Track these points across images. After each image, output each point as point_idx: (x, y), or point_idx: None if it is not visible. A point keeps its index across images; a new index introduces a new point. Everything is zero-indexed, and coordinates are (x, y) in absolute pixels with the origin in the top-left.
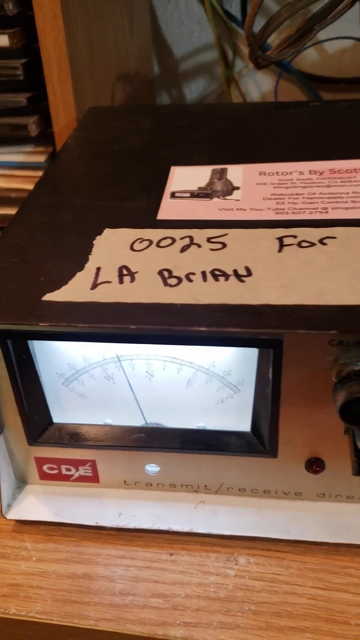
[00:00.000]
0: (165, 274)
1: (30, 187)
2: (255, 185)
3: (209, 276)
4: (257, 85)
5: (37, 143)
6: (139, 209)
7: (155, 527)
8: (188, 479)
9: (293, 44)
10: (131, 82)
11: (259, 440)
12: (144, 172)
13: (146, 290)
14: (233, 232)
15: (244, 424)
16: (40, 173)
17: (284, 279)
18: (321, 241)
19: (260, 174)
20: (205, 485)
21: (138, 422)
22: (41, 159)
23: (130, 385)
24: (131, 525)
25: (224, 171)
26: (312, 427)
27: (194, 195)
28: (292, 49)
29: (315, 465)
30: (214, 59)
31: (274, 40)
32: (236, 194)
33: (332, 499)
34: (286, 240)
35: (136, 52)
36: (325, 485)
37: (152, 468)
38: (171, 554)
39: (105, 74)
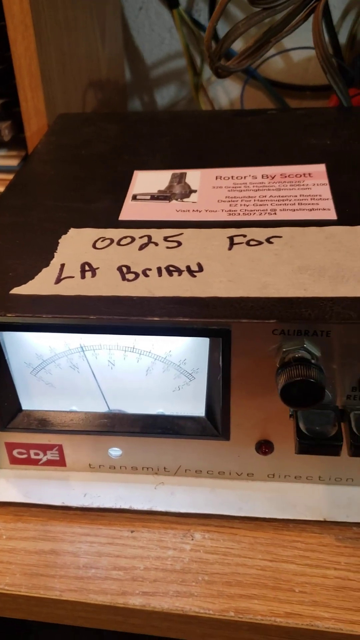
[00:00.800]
0: (124, 269)
1: (3, 189)
2: (211, 188)
3: (164, 272)
4: (225, 92)
5: (10, 147)
6: (103, 210)
7: (118, 507)
8: (148, 461)
9: (251, 55)
10: (103, 89)
11: (213, 425)
12: (109, 176)
13: (106, 284)
14: (188, 232)
15: (199, 410)
16: (13, 176)
17: (232, 274)
18: (268, 240)
19: (216, 178)
20: (164, 468)
21: (102, 408)
22: (14, 162)
23: (93, 374)
24: (95, 505)
25: (183, 175)
26: (261, 411)
27: (154, 197)
28: (250, 60)
29: (264, 447)
30: (184, 66)
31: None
32: (193, 197)
33: (281, 479)
34: (236, 239)
35: (108, 59)
36: (275, 466)
37: (115, 452)
38: (132, 531)
39: (77, 81)
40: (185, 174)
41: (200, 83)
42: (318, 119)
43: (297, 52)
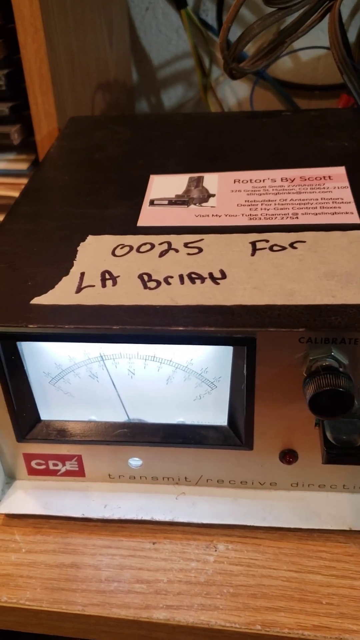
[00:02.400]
0: (145, 277)
1: (13, 193)
2: (229, 192)
3: (186, 279)
4: (234, 92)
5: (19, 151)
6: (120, 216)
7: (139, 518)
8: (169, 471)
9: (266, 56)
10: (111, 91)
11: (236, 434)
12: (124, 181)
13: (127, 293)
14: (209, 237)
15: (221, 419)
16: (22, 180)
17: (256, 280)
18: (291, 245)
19: (234, 181)
20: (185, 477)
21: (121, 418)
22: (24, 166)
23: (113, 383)
24: (116, 517)
25: (200, 179)
26: (285, 420)
27: (172, 202)
28: (265, 61)
29: (288, 456)
30: (191, 67)
31: (249, 48)
32: (212, 201)
33: (305, 488)
34: (259, 245)
35: (115, 61)
36: (299, 475)
37: (135, 462)
38: (154, 543)
39: (86, 83)
40: (203, 177)
41: (208, 84)
42: (332, 120)
43: (305, 52)
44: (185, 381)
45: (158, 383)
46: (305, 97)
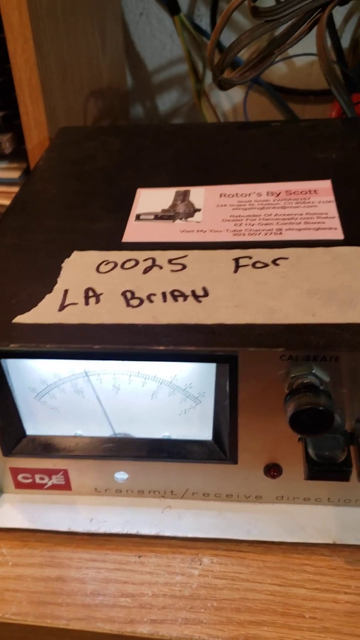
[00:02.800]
0: (128, 295)
1: (5, 201)
2: (215, 207)
3: (168, 297)
4: (228, 98)
5: (11, 160)
6: (106, 230)
7: (125, 532)
8: (155, 485)
9: (254, 67)
10: (104, 97)
11: (220, 448)
12: (112, 193)
13: (110, 311)
14: (193, 254)
15: (206, 433)
16: (14, 189)
17: (238, 298)
18: (274, 262)
19: (220, 195)
20: (171, 491)
21: (107, 432)
22: (15, 175)
23: (98, 398)
24: (102, 530)
25: (186, 193)
26: (269, 434)
27: (158, 217)
28: (253, 72)
29: (273, 470)
30: (185, 72)
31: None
32: (197, 216)
33: (289, 501)
34: (242, 261)
35: (108, 66)
36: (283, 488)
37: (121, 476)
38: (140, 556)
39: (78, 91)
40: (189, 191)
41: (202, 89)
42: (323, 131)
43: (300, 57)
44: (170, 396)
45: (143, 398)
46: (299, 102)
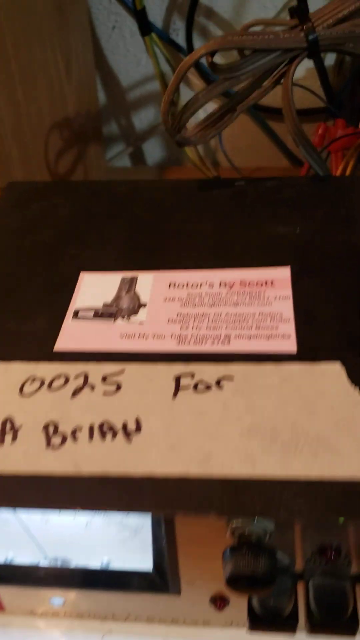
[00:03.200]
0: (51, 429)
1: None
2: (162, 301)
3: (96, 433)
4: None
5: None
6: (38, 333)
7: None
8: (95, 609)
9: (214, 124)
10: (71, 126)
11: (162, 579)
12: (51, 278)
13: (26, 454)
14: (130, 369)
15: (147, 561)
16: None
17: (173, 436)
18: (218, 383)
19: (170, 285)
20: (113, 615)
21: (40, 560)
22: None
23: (27, 529)
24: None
25: (133, 281)
26: (212, 571)
27: (98, 314)
28: (213, 131)
29: (219, 602)
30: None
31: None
32: (142, 313)
33: (239, 626)
34: (183, 381)
35: (75, 92)
36: (231, 615)
37: (57, 601)
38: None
39: (37, 129)
40: (136, 279)
41: (176, 112)
42: (289, 194)
43: None
44: (105, 526)
45: (76, 528)
46: (281, 121)
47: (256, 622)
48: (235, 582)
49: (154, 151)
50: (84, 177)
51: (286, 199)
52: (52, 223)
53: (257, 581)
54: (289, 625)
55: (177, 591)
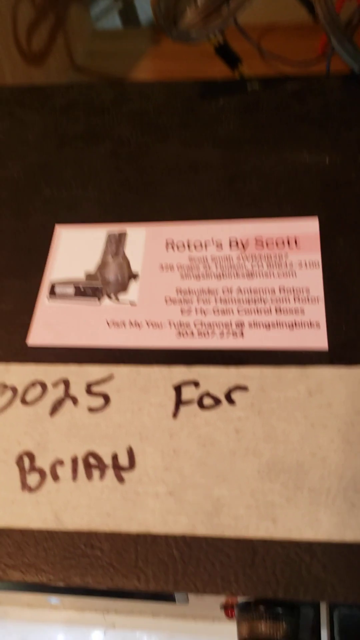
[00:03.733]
0: (26, 462)
1: None
2: (158, 271)
3: (80, 470)
4: None
5: None
6: (5, 316)
7: None
8: (96, 603)
9: (218, 10)
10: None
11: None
12: (19, 235)
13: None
14: (120, 373)
15: None
16: None
17: (173, 476)
18: (228, 396)
19: (167, 245)
20: (115, 609)
21: None
22: None
23: None
24: None
25: (121, 240)
26: None
27: (80, 291)
28: (219, 20)
29: (231, 610)
30: None
31: None
32: (133, 290)
33: None
34: (185, 393)
35: None
36: None
37: (54, 600)
38: None
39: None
40: (125, 235)
41: None
42: (316, 103)
43: None
44: None
45: None
46: None
47: None
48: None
49: (146, 4)
50: (65, 47)
51: (312, 112)
52: (19, 152)
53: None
54: None
55: (185, 600)
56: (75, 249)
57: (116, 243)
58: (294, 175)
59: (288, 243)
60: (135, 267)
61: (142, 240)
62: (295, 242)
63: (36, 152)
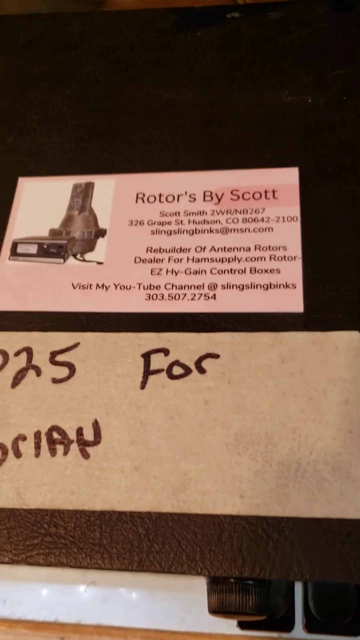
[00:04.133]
0: None
1: None
2: (127, 226)
3: (43, 444)
4: None
5: None
6: None
7: (42, 619)
8: None
9: None
10: None
11: None
12: None
13: None
14: (86, 341)
15: None
16: None
17: (140, 450)
18: (198, 364)
19: (137, 198)
20: None
21: None
22: None
23: None
24: (16, 616)
25: (88, 192)
26: None
27: (44, 250)
28: None
29: None
30: None
31: None
32: (100, 248)
33: None
34: (154, 361)
35: None
36: None
37: None
38: (62, 638)
39: None
40: (92, 185)
41: None
42: (301, 35)
43: None
44: None
45: None
46: None
47: (247, 623)
48: (220, 613)
49: None
50: None
51: (295, 45)
52: None
53: (246, 613)
54: (285, 626)
55: None
56: (39, 203)
57: (82, 195)
58: (273, 117)
59: (266, 195)
60: (102, 222)
61: (110, 192)
62: (274, 193)
63: (5, 86)
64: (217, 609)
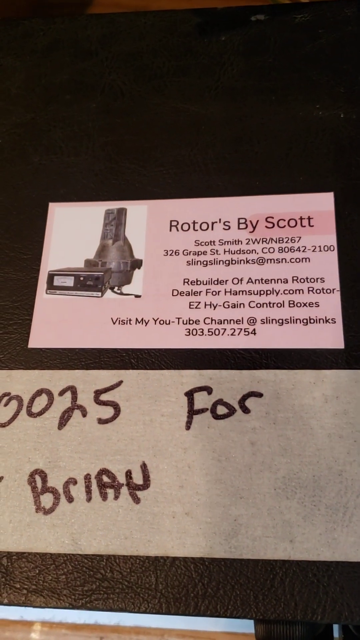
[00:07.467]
0: (38, 481)
1: None
2: (162, 256)
3: (94, 489)
4: None
5: None
6: (3, 316)
7: (82, 622)
8: None
9: None
10: None
11: None
12: (10, 217)
13: (13, 523)
14: (129, 378)
15: None
16: None
17: (189, 494)
18: (242, 403)
19: (170, 225)
20: None
21: None
22: None
23: None
24: (57, 619)
25: (121, 217)
26: None
27: (80, 283)
28: None
29: None
30: None
31: None
32: (136, 282)
33: None
34: (197, 400)
35: None
36: None
37: None
38: (101, 638)
39: None
40: (125, 211)
41: None
42: (330, 39)
43: None
44: None
45: None
46: None
47: None
48: None
49: None
50: None
51: (324, 51)
52: (6, 109)
53: None
54: None
55: None
56: (71, 230)
57: (116, 223)
58: (305, 134)
59: (301, 222)
60: (137, 252)
61: (143, 219)
62: (309, 221)
63: (19, 109)
64: (265, 638)
